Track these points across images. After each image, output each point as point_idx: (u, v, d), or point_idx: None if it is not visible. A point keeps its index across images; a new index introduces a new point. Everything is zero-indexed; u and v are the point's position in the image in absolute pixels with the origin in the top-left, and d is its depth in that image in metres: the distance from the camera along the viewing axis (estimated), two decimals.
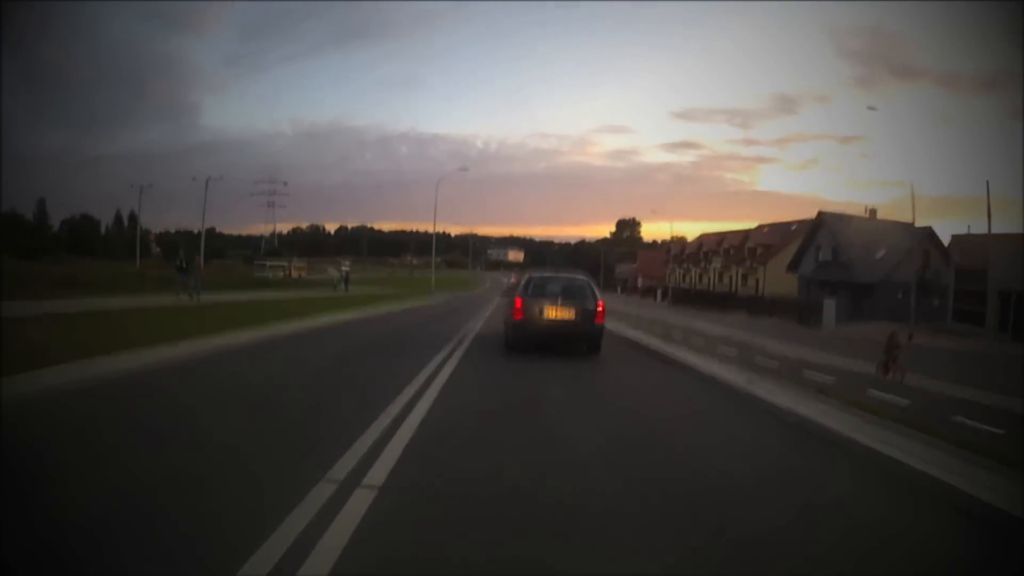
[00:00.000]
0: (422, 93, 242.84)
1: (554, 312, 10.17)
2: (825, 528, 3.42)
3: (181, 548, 2.65)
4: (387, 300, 28.18)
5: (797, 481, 4.34)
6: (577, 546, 2.92)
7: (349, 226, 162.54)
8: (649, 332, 16.64)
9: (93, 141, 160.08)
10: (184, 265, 21.71)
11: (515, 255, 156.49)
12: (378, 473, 3.72)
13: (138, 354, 7.61)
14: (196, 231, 63.82)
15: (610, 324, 13.26)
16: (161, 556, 2.58)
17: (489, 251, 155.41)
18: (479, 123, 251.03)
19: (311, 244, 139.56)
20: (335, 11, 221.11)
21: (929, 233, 36.66)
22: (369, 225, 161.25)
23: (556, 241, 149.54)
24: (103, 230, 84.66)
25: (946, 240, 35.43)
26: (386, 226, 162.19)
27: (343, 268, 49.14)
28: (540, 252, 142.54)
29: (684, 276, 67.46)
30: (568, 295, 10.43)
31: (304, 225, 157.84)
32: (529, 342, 10.38)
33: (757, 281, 51.03)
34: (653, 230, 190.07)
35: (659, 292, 61.11)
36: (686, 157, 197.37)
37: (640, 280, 76.85)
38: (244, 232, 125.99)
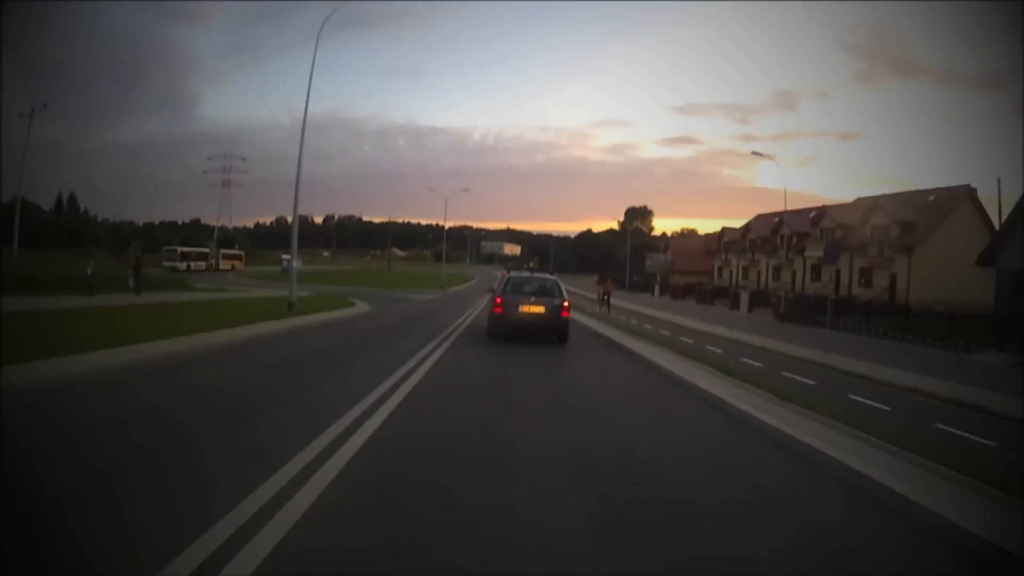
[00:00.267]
0: (420, 85, 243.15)
1: (528, 308, 12.19)
2: None
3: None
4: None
5: None
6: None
7: (336, 216, 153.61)
8: None
9: (90, 132, 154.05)
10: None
11: (511, 248, 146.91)
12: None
13: None
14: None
15: None
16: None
17: (483, 243, 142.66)
18: (477, 115, 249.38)
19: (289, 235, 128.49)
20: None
21: None
22: (359, 216, 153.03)
23: (555, 235, 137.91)
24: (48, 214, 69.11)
25: None
26: (378, 218, 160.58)
27: (283, 258, 44.56)
28: (538, 245, 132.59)
29: (746, 271, 50.46)
30: (540, 293, 12.61)
31: (290, 217, 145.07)
32: (507, 332, 12.24)
33: (893, 278, 33.73)
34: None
35: (743, 297, 37.23)
36: (684, 152, 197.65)
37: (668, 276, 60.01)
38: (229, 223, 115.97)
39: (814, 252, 40.30)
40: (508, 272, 16.84)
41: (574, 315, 14.61)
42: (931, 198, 34.31)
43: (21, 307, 12.43)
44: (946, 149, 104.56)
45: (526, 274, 15.42)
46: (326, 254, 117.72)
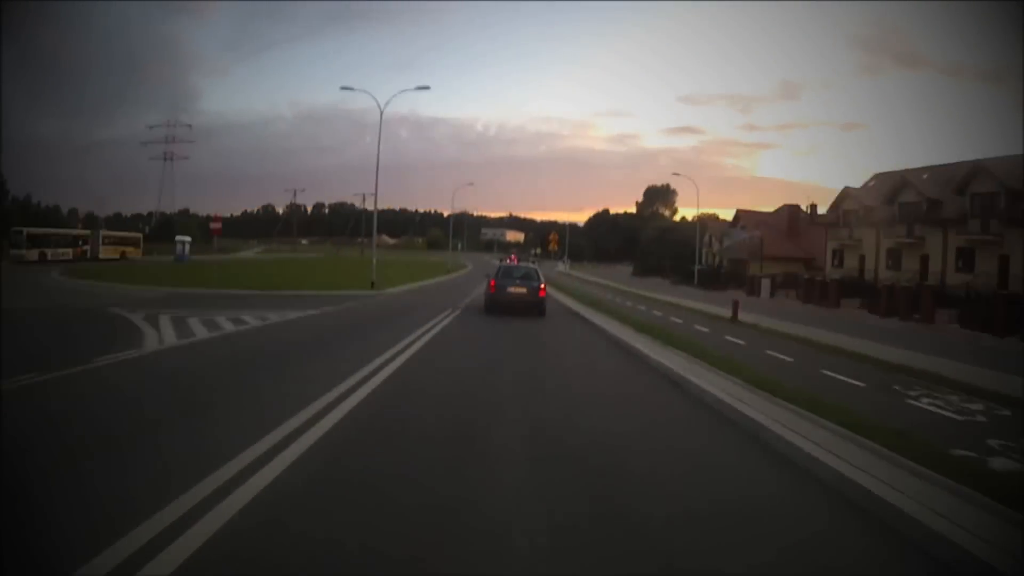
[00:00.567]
0: (423, 76, 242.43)
1: (514, 288, 15.96)
2: None
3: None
4: None
5: None
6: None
7: (327, 204, 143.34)
8: None
9: (89, 127, 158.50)
10: None
11: (514, 235, 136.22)
12: None
13: None
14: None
15: None
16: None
17: (484, 230, 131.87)
18: (480, 106, 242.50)
19: (263, 224, 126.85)
20: None
21: None
22: (351, 204, 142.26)
23: (559, 222, 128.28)
24: None
25: None
26: (378, 207, 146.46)
27: (178, 242, 43.49)
28: (543, 232, 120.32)
29: (894, 256, 35.96)
30: (523, 278, 16.46)
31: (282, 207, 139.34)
32: (499, 308, 15.84)
33: None
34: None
35: None
36: (687, 142, 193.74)
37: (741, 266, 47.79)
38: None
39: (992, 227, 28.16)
40: (515, 258, 25.00)
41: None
42: None
43: None
44: (943, 141, 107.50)
45: (514, 264, 20.78)
46: (305, 242, 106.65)
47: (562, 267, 74.03)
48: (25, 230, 39.10)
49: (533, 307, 15.65)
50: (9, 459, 3.87)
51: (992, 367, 11.13)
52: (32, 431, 4.58)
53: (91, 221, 60.95)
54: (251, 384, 6.67)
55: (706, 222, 63.95)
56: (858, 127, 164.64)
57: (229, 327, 11.54)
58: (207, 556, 2.65)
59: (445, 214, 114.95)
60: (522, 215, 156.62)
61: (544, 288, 16.20)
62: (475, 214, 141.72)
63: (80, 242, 44.10)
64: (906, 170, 36.62)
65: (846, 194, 40.24)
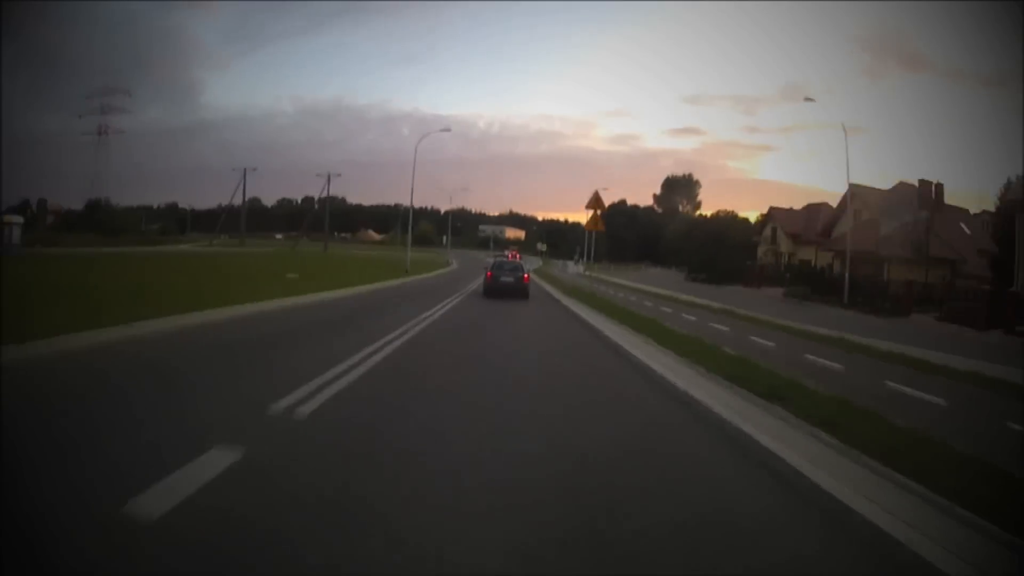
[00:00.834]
0: (425, 74, 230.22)
1: (504, 278, 20.76)
2: None
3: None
4: None
5: None
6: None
7: (316, 197, 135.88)
8: None
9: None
10: None
11: (514, 232, 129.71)
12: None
13: None
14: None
15: None
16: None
17: (481, 227, 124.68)
18: (482, 104, 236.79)
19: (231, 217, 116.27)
20: None
21: None
22: (343, 198, 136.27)
23: (561, 220, 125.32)
24: None
25: None
26: (371, 203, 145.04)
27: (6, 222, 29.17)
28: (544, 229, 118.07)
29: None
30: (511, 270, 21.34)
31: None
32: (494, 293, 20.40)
33: None
34: None
35: None
36: (689, 143, 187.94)
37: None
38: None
39: None
40: (516, 254, 39.55)
41: None
42: None
43: None
44: (944, 145, 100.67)
45: (505, 259, 27.19)
46: (279, 236, 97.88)
47: (574, 267, 61.37)
48: None
49: (519, 291, 20.41)
50: None
51: None
52: None
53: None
54: None
55: (775, 213, 54.75)
56: (860, 131, 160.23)
57: None
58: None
59: (442, 211, 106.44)
60: (523, 213, 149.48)
61: (527, 276, 21.21)
62: (474, 211, 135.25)
63: None
64: None
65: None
